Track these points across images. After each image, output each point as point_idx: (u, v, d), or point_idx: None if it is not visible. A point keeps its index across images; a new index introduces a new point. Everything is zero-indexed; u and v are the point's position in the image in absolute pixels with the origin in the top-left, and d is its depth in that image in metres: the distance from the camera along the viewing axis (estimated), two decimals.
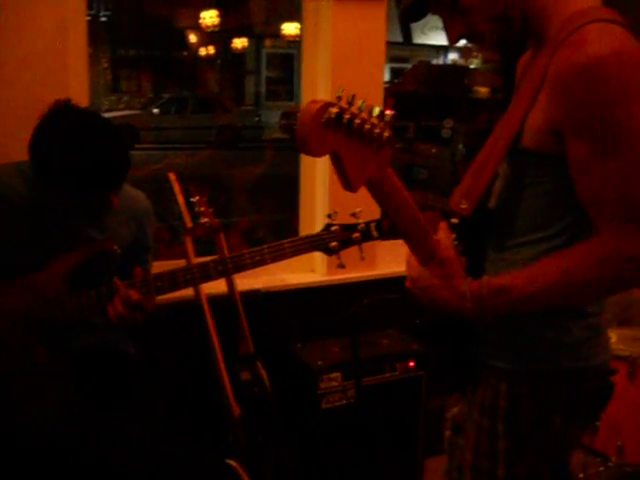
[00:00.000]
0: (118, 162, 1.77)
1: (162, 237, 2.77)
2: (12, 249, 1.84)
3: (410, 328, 1.44)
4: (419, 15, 1.40)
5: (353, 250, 1.94)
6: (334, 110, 0.92)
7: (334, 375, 2.50)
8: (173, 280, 1.84)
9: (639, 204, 1.18)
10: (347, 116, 0.94)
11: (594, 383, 1.36)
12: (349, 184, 1.00)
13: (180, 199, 2.45)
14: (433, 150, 7.63)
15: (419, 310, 1.42)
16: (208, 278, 1.89)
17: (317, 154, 0.93)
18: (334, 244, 1.89)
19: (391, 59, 20.05)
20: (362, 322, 2.43)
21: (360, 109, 0.98)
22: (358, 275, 2.79)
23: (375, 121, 1.00)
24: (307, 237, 1.91)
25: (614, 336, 2.53)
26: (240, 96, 15.01)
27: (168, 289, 1.85)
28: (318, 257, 2.84)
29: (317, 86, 2.79)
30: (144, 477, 1.74)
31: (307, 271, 2.86)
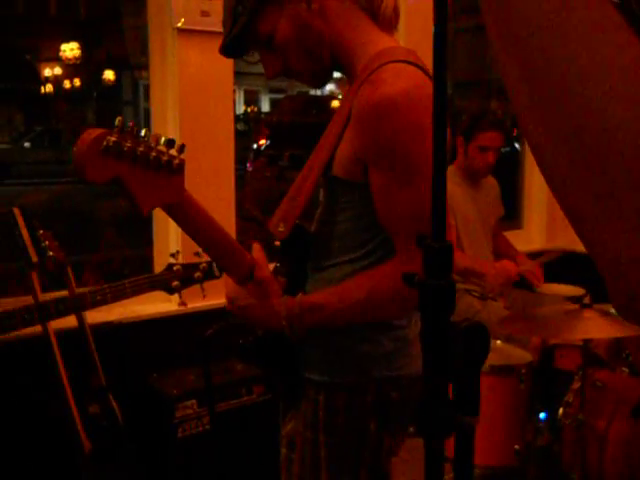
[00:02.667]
0: None
1: (10, 273, 2.70)
2: None
3: (236, 349, 1.48)
4: (239, 52, 1.47)
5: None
6: (112, 139, 0.97)
7: (190, 402, 2.51)
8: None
9: (423, 229, 1.28)
10: (128, 144, 0.99)
11: (405, 391, 1.45)
12: (138, 207, 1.05)
13: (25, 233, 2.41)
14: None
15: (243, 331, 1.48)
16: (48, 318, 1.88)
17: (96, 180, 0.97)
18: (175, 283, 1.94)
19: (270, 90, 20.39)
20: (215, 348, 2.45)
21: (145, 138, 1.03)
22: (214, 302, 2.81)
23: (163, 149, 1.06)
24: (148, 277, 1.95)
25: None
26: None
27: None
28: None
29: (167, 117, 2.83)
30: None
31: (162, 301, 2.86)
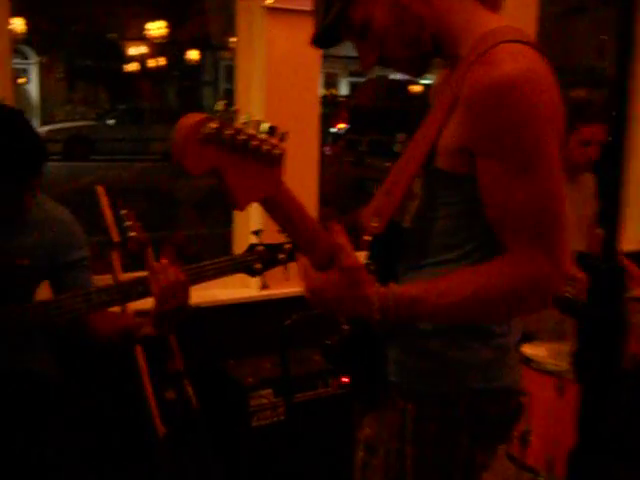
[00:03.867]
0: (30, 149, 1.72)
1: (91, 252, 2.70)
2: None
3: (321, 348, 1.41)
4: (331, 42, 1.38)
5: (277, 269, 1.90)
6: (213, 125, 0.89)
7: (265, 392, 2.46)
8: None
9: (544, 227, 1.17)
10: (228, 132, 0.91)
11: (501, 404, 1.34)
12: (236, 202, 0.97)
13: (107, 212, 2.41)
14: (386, 164, 7.68)
15: (330, 330, 1.39)
16: (128, 299, 1.84)
17: (195, 170, 0.90)
18: (258, 266, 1.84)
19: (350, 73, 20.23)
20: (294, 338, 2.40)
21: (247, 124, 0.95)
22: (292, 290, 2.74)
23: (264, 137, 0.98)
24: (229, 259, 1.85)
25: (544, 351, 2.54)
26: (197, 108, 14.95)
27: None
28: None
29: (251, 98, 2.77)
30: None
31: (241, 286, 2.82)
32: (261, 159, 0.98)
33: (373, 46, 1.31)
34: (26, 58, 18.19)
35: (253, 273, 1.86)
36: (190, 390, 2.32)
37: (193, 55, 13.36)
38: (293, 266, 1.89)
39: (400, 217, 1.40)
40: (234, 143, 0.93)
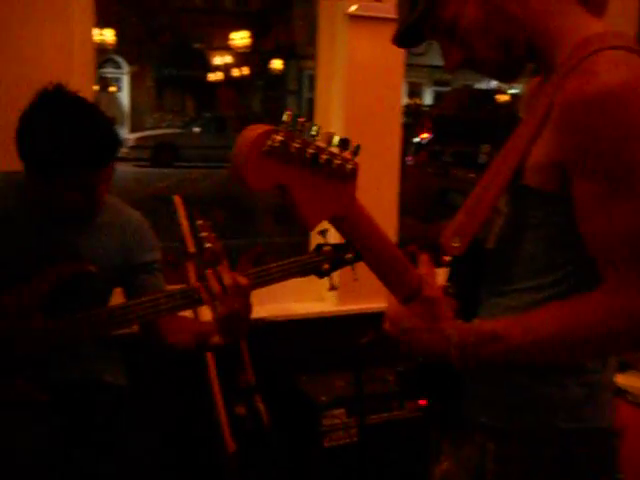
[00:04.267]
0: (103, 138, 1.70)
1: (167, 259, 2.70)
2: (1, 265, 1.78)
3: (396, 373, 1.33)
4: (415, 41, 1.29)
5: (355, 283, 1.81)
6: (278, 137, 0.82)
7: (338, 411, 2.38)
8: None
9: None
10: (296, 145, 0.83)
11: (594, 447, 1.21)
12: (304, 221, 0.89)
13: (184, 223, 2.39)
14: (470, 175, 7.46)
15: (403, 356, 1.30)
16: (196, 304, 1.79)
17: (257, 187, 0.82)
18: (326, 266, 1.77)
19: (434, 83, 20.00)
20: (369, 356, 2.31)
21: (316, 137, 0.87)
22: (370, 306, 2.67)
23: (335, 151, 0.90)
24: (295, 260, 1.78)
25: None
26: (281, 117, 15.10)
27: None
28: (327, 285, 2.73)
29: (330, 107, 2.71)
30: None
31: (316, 300, 2.75)
32: (332, 175, 0.90)
33: (459, 47, 1.22)
34: (119, 67, 18.87)
35: (321, 274, 1.80)
36: (262, 406, 2.26)
37: (277, 64, 13.49)
38: (366, 285, 1.80)
39: (483, 237, 1.30)
40: (302, 157, 0.85)
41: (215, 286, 1.64)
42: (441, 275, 1.28)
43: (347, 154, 0.92)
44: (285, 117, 0.84)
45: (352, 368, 2.33)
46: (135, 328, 1.88)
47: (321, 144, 0.88)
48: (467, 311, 1.25)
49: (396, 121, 2.75)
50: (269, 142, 0.82)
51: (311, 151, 0.86)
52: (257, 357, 2.32)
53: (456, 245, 1.22)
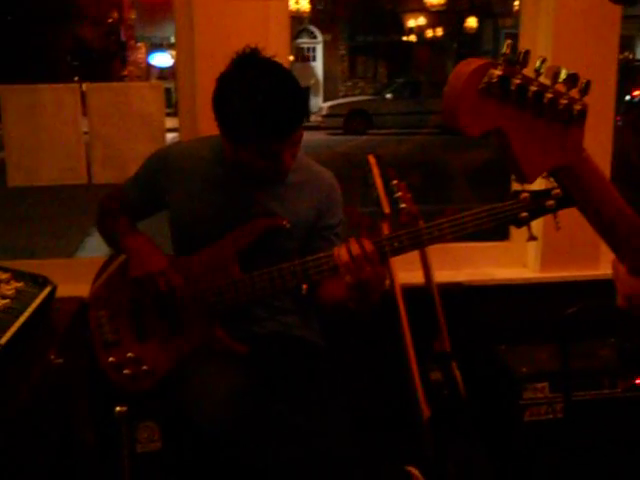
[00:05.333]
0: (294, 108, 1.70)
1: (362, 222, 2.67)
2: (198, 223, 1.87)
3: (618, 349, 1.18)
4: None
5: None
6: (497, 72, 0.71)
7: (540, 385, 2.23)
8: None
9: None
10: (517, 81, 0.73)
11: None
12: (522, 171, 0.79)
13: (378, 183, 2.34)
14: None
15: (631, 328, 1.15)
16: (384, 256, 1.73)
17: (472, 130, 0.73)
18: (524, 214, 1.63)
19: None
20: (577, 329, 2.14)
21: (538, 72, 0.76)
22: (577, 274, 2.47)
23: (561, 89, 0.78)
24: (490, 208, 1.64)
25: None
26: None
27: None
28: (532, 250, 2.56)
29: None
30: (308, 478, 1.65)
31: (517, 265, 2.59)
32: (557, 117, 0.78)
33: None
34: (314, 37, 19.25)
35: (518, 223, 1.65)
36: (458, 374, 2.17)
37: (471, 23, 12.98)
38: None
39: None
40: (523, 96, 0.74)
41: (344, 255, 1.60)
42: None
43: (574, 92, 0.80)
44: (504, 48, 0.73)
45: (556, 339, 2.17)
46: None
47: (546, 80, 0.77)
48: None
49: (610, 77, 2.49)
50: (486, 79, 0.72)
51: (534, 89, 0.75)
52: (453, 323, 2.23)
53: None
